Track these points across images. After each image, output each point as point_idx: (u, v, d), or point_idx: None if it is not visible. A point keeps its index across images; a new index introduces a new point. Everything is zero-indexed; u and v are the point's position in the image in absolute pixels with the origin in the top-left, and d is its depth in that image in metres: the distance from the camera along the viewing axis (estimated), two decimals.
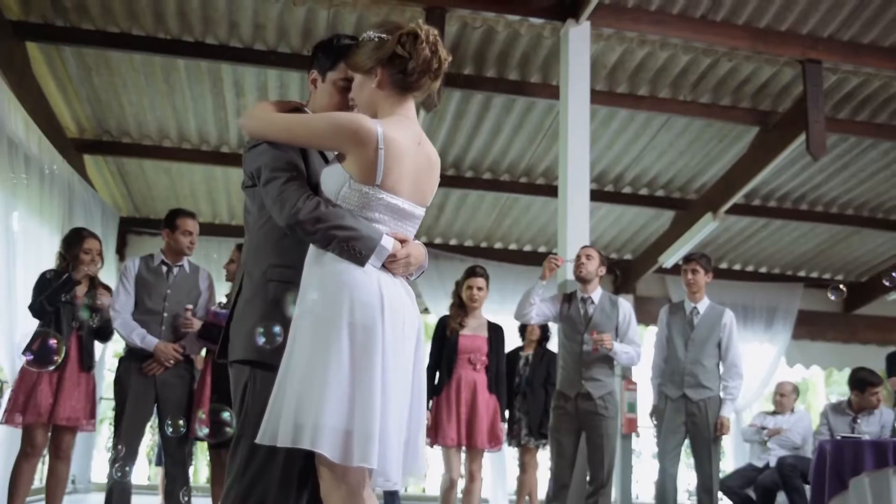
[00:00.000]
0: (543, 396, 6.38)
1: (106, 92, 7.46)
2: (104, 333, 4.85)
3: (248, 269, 2.28)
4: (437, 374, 5.27)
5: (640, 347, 5.08)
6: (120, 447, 4.41)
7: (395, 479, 2.07)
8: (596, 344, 4.79)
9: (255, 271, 2.26)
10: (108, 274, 7.91)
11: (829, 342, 10.56)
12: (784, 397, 6.72)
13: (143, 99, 7.56)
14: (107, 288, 4.87)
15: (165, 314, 4.58)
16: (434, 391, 5.20)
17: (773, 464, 6.28)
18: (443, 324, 5.39)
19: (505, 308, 9.48)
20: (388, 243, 2.12)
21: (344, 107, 2.32)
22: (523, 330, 6.94)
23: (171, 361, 4.51)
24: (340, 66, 2.31)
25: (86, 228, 5.14)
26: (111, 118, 7.88)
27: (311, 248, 2.15)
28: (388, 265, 2.14)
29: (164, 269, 4.71)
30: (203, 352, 5.01)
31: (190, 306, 4.60)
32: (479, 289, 5.31)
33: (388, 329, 2.05)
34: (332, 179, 2.16)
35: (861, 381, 5.99)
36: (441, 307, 9.07)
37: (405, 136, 2.17)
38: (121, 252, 9.11)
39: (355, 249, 2.08)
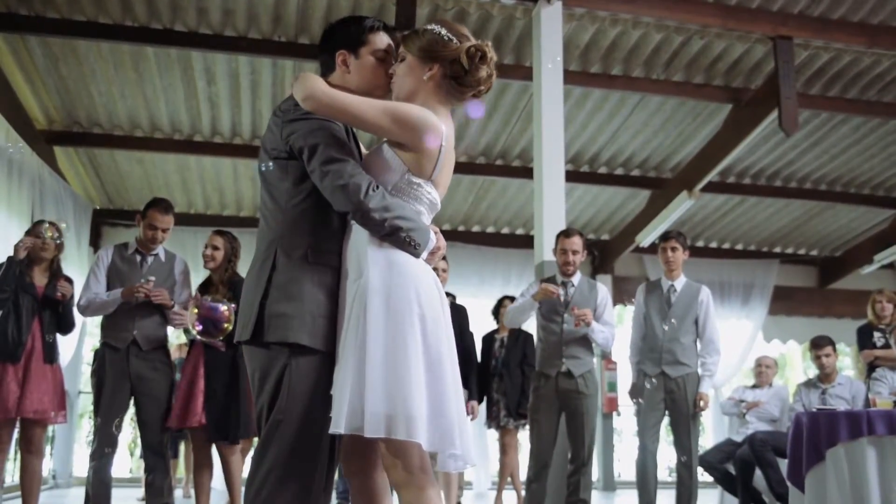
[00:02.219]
0: (520, 377, 6.42)
1: (74, 82, 7.35)
2: (65, 325, 4.81)
3: (285, 248, 2.22)
4: None
5: (614, 329, 5.11)
6: (98, 440, 4.38)
7: (472, 460, 2.17)
8: (578, 319, 4.80)
9: (293, 252, 2.21)
10: (82, 266, 7.84)
11: (806, 317, 10.68)
12: (769, 368, 6.80)
13: (113, 88, 7.46)
14: (68, 279, 4.81)
15: (139, 303, 4.51)
16: None
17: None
18: None
19: (483, 291, 9.55)
20: (433, 236, 2.21)
21: (386, 77, 2.36)
22: (497, 312, 6.95)
23: (147, 296, 4.37)
24: (371, 39, 2.35)
25: (44, 219, 5.12)
26: (80, 109, 7.77)
27: (367, 235, 2.17)
28: (429, 257, 2.25)
29: (138, 258, 4.64)
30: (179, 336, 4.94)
31: (152, 278, 4.46)
32: (444, 270, 5.31)
33: (442, 318, 2.16)
34: (389, 169, 2.21)
35: (813, 345, 6.20)
36: None
37: (451, 134, 2.28)
38: (95, 244, 9.02)
39: (414, 241, 2.15)
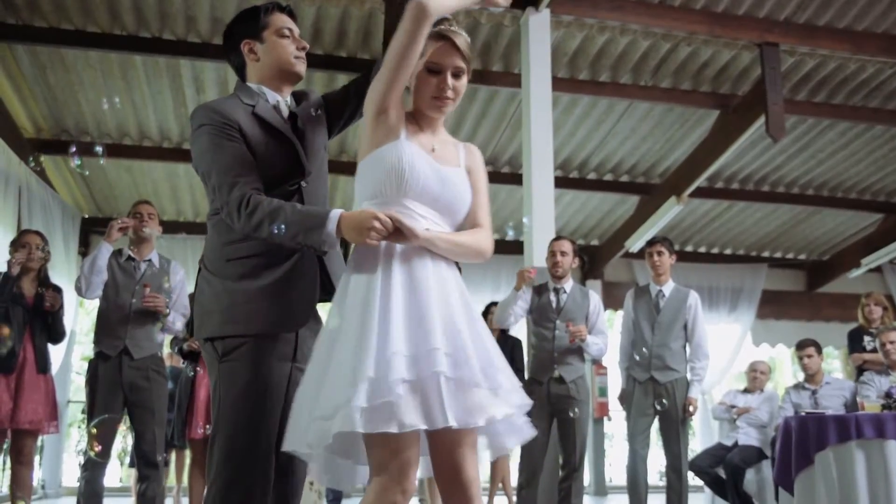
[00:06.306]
0: None
1: (62, 90, 7.33)
2: (56, 334, 4.82)
3: (208, 258, 2.31)
4: None
5: (607, 338, 5.14)
6: (90, 449, 4.36)
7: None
8: (573, 336, 4.83)
9: (211, 259, 2.29)
10: (70, 275, 7.80)
11: (794, 320, 10.72)
12: (763, 374, 6.84)
13: (101, 97, 7.43)
14: (56, 289, 4.81)
15: (132, 310, 4.50)
16: None
17: (741, 442, 6.38)
18: None
19: (473, 297, 9.55)
20: (329, 229, 2.03)
21: (295, 51, 2.36)
22: (485, 316, 6.95)
23: (123, 229, 4.44)
24: (271, 21, 2.35)
25: (29, 228, 5.17)
26: (69, 117, 7.75)
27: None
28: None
29: (133, 264, 4.64)
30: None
31: (147, 289, 4.47)
32: None
33: (379, 286, 1.96)
34: None
35: (797, 347, 6.29)
36: None
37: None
38: (84, 253, 8.98)
39: (303, 244, 2.09)
